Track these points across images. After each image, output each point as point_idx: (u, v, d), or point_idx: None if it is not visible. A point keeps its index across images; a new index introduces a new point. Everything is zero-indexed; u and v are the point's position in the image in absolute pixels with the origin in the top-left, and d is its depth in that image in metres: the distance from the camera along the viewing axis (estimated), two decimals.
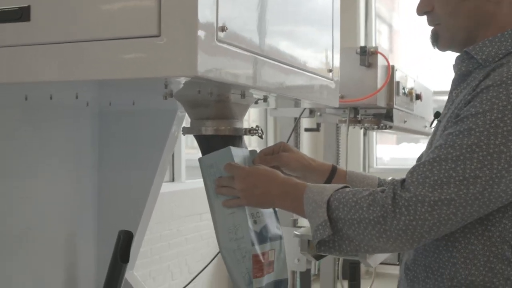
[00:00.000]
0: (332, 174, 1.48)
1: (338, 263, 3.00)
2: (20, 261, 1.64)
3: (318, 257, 2.08)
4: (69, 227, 1.83)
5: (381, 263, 2.26)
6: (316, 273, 2.73)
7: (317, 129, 2.95)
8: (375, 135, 6.77)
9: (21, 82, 1.17)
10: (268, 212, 1.37)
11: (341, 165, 3.22)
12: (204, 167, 1.33)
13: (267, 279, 1.31)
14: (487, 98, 1.10)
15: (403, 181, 1.14)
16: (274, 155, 1.44)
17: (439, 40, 1.33)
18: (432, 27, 1.33)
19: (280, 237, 1.38)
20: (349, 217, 1.15)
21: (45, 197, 1.73)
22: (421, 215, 1.08)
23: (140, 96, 1.52)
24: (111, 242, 1.83)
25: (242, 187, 1.26)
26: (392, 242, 1.11)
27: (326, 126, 3.11)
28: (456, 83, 1.31)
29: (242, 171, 1.28)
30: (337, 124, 3.08)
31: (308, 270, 3.06)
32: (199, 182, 5.84)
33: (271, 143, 6.43)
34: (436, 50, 1.36)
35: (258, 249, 1.28)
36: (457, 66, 1.30)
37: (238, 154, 1.33)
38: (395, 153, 7.64)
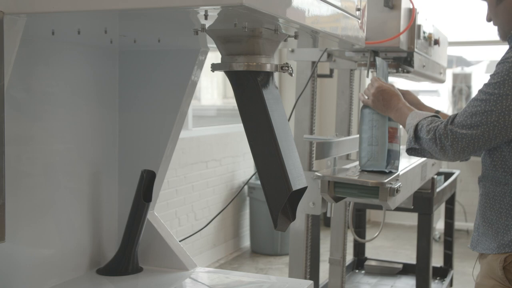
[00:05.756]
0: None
1: (349, 211, 3.02)
2: (43, 198, 1.65)
3: (336, 199, 2.09)
4: (92, 165, 1.84)
5: (395, 209, 2.28)
6: (332, 215, 2.77)
7: (330, 75, 2.93)
8: None
9: (50, 12, 1.15)
10: None
11: (354, 112, 3.22)
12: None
13: (395, 146, 2.20)
14: (496, 71, 1.78)
15: (455, 116, 1.81)
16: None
17: (499, 35, 1.95)
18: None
19: None
20: (424, 137, 1.86)
21: (67, 136, 1.73)
22: (461, 134, 1.76)
23: (168, 31, 1.50)
24: (132, 181, 1.84)
25: (374, 93, 2.13)
26: (445, 153, 1.80)
27: (340, 72, 3.09)
28: None
29: (380, 84, 2.14)
30: (350, 70, 3.06)
31: (317, 216, 3.09)
32: (205, 130, 5.80)
33: (289, 91, 6.43)
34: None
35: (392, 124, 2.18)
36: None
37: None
38: None
